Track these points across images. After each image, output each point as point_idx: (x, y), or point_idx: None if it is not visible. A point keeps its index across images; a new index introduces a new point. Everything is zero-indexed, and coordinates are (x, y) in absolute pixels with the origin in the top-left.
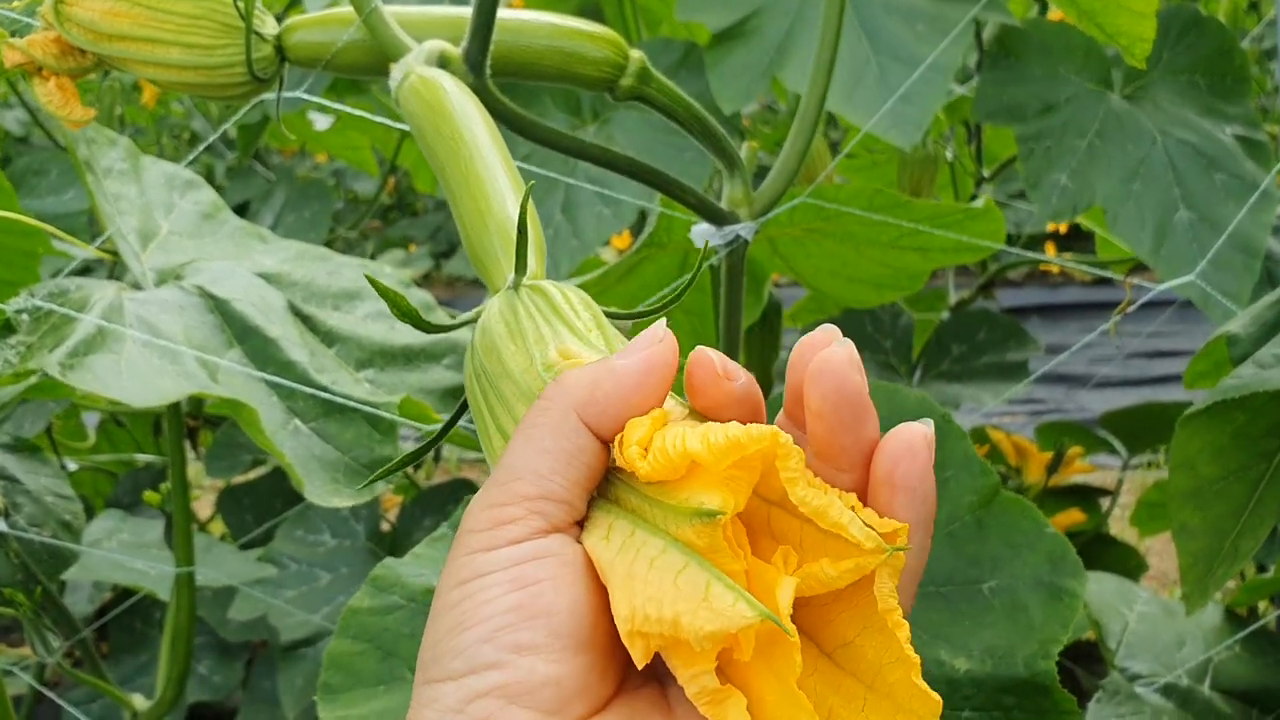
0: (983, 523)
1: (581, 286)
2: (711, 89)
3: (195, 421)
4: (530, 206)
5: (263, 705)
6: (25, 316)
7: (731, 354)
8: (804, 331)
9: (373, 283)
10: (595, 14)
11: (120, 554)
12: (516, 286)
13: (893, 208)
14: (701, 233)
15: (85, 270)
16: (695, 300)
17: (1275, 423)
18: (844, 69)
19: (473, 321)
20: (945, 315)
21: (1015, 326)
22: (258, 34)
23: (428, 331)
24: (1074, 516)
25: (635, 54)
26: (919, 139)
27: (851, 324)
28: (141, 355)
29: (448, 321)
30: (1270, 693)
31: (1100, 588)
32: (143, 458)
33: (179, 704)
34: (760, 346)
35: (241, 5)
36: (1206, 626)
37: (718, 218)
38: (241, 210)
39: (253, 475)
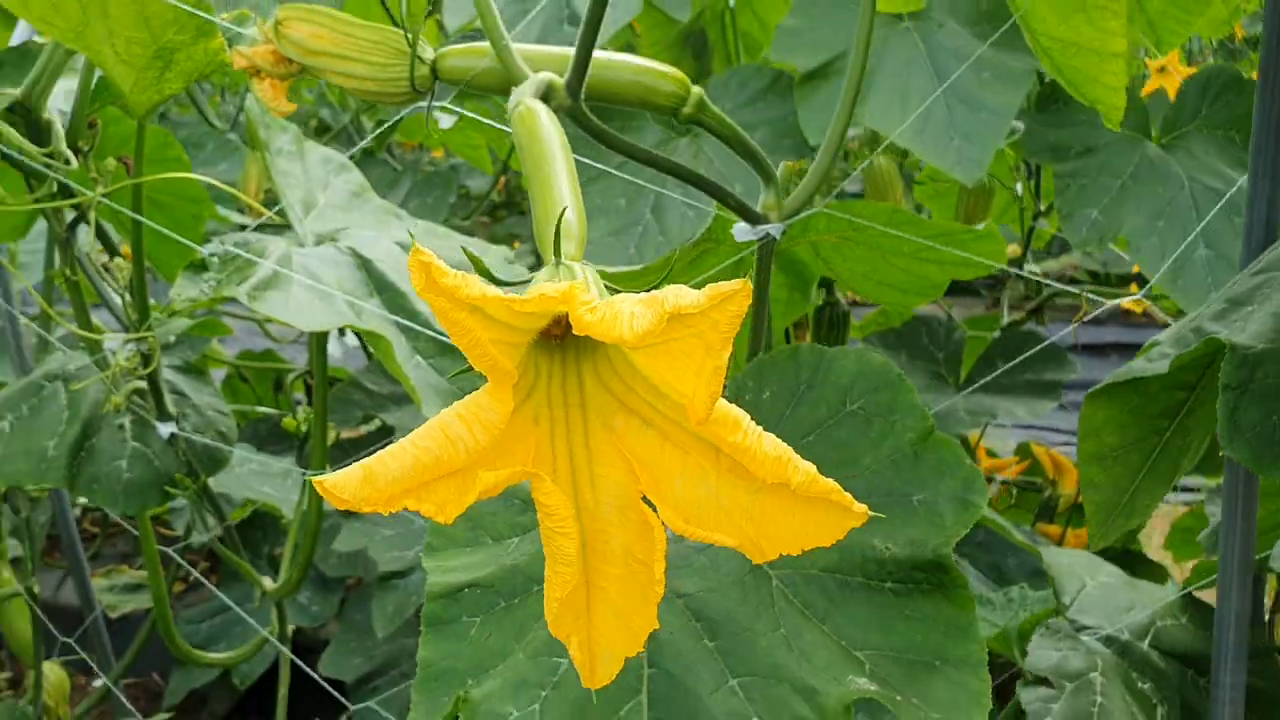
0: (919, 455)
1: (647, 271)
2: (799, 121)
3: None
4: (581, 209)
5: (354, 634)
6: (216, 259)
7: (756, 330)
8: (864, 340)
9: (465, 250)
10: (700, 36)
11: (253, 478)
12: (556, 264)
13: (908, 224)
14: (742, 230)
15: (240, 230)
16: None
17: (1165, 407)
18: (916, 109)
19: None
20: (996, 334)
21: (1056, 349)
22: (420, 58)
23: (496, 285)
24: None
25: (696, 90)
26: (981, 175)
27: (910, 335)
28: (305, 295)
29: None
30: (1209, 658)
31: (1071, 560)
32: (263, 410)
33: (300, 589)
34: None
35: (410, 38)
36: (1159, 599)
37: (752, 219)
38: None
39: (362, 431)
